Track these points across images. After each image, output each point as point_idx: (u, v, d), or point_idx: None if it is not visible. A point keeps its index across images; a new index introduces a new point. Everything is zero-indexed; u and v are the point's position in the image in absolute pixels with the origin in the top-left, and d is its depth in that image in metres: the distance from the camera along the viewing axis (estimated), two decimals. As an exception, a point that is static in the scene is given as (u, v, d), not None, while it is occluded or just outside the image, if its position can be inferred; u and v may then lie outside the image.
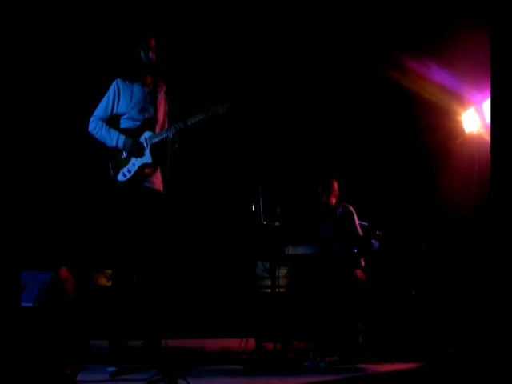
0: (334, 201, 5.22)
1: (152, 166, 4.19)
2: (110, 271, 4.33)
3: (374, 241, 4.96)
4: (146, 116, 4.22)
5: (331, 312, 4.76)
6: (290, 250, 4.83)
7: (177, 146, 4.21)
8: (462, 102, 5.78)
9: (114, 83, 4.24)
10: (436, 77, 5.98)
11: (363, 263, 5.09)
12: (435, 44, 5.95)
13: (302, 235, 5.10)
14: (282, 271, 5.20)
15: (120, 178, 4.12)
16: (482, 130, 5.68)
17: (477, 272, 5.20)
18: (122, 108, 4.21)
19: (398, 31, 6.21)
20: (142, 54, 4.20)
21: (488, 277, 3.41)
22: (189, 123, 4.10)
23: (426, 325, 5.12)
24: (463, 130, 5.93)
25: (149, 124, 4.21)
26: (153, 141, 4.15)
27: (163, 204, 4.11)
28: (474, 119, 5.83)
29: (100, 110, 4.23)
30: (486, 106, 5.52)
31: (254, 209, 5.26)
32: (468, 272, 5.41)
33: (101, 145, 4.23)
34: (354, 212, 5.24)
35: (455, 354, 4.84)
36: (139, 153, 4.14)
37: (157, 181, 4.24)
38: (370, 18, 6.26)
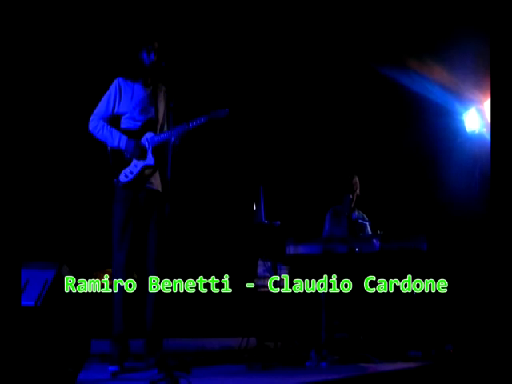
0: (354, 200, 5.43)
1: (153, 168, 4.18)
2: (110, 270, 4.32)
3: (374, 240, 4.98)
4: (147, 116, 4.18)
5: (334, 312, 4.77)
6: (292, 250, 4.85)
7: (177, 148, 4.20)
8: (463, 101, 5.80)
9: (116, 82, 4.19)
10: (438, 77, 5.99)
11: None
12: (436, 44, 5.96)
13: (306, 233, 5.14)
14: (283, 270, 5.21)
15: (122, 178, 4.09)
16: (484, 130, 5.70)
17: (478, 271, 5.20)
18: (123, 107, 4.16)
19: (400, 32, 6.21)
20: (144, 55, 4.15)
21: (488, 276, 3.41)
22: (191, 126, 4.09)
23: (426, 324, 5.12)
24: (465, 129, 5.95)
25: (150, 125, 4.18)
26: (154, 142, 4.13)
27: (163, 204, 4.10)
28: (475, 118, 5.84)
29: (101, 109, 4.17)
30: (487, 105, 5.53)
31: (255, 208, 5.26)
32: (469, 271, 5.41)
33: (102, 145, 4.19)
34: (368, 223, 5.38)
35: (455, 354, 4.84)
36: (142, 155, 4.11)
37: (155, 181, 4.22)
38: (372, 20, 6.27)
